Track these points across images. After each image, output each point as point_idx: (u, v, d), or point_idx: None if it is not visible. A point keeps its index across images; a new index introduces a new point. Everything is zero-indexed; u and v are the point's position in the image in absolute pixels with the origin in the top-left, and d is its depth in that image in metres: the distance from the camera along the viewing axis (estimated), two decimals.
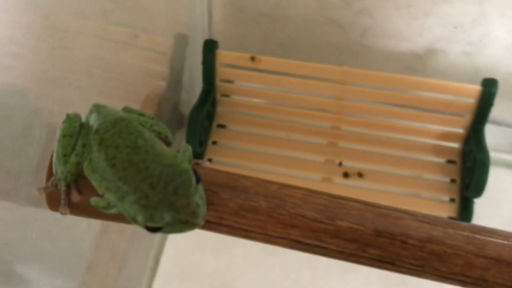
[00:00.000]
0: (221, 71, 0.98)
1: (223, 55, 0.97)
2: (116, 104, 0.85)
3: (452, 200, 0.93)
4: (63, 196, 0.36)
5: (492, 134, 0.97)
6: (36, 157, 0.39)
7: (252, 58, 0.95)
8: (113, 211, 0.35)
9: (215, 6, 1.01)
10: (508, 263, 0.36)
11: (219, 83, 1.00)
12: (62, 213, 0.37)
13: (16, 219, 0.47)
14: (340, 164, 0.98)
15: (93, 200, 0.35)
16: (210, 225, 0.38)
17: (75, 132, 0.37)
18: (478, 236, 0.37)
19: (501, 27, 0.93)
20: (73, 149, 0.37)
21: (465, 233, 0.37)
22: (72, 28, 0.77)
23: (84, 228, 0.62)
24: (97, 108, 0.38)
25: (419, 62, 1.03)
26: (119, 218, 0.37)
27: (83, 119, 0.39)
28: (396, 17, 0.96)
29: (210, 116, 1.01)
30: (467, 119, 0.93)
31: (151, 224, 0.32)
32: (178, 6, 0.97)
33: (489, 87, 0.88)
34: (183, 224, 0.32)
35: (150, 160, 0.33)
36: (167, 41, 0.97)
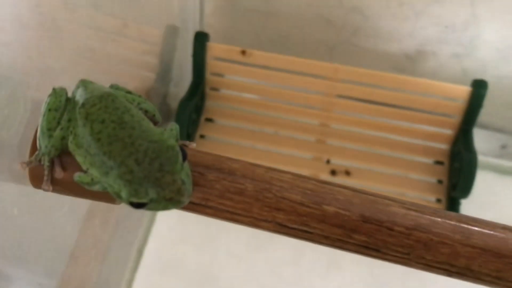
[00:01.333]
0: (211, 64, 0.98)
1: (213, 48, 0.96)
2: None
3: (438, 200, 0.93)
4: (46, 172, 0.36)
5: (480, 138, 0.97)
6: (19, 131, 0.39)
7: (243, 52, 0.95)
8: (96, 187, 0.34)
9: None
10: (494, 253, 0.36)
11: (209, 76, 0.99)
12: (44, 190, 0.36)
13: None
14: (328, 161, 0.98)
15: (77, 175, 0.34)
16: (196, 207, 0.37)
17: (61, 107, 0.36)
18: (465, 225, 0.36)
19: (492, 30, 0.93)
20: (58, 123, 0.36)
21: (452, 222, 0.36)
22: (62, 17, 0.77)
23: (66, 211, 0.61)
24: (84, 83, 0.38)
25: (409, 63, 1.03)
26: (103, 196, 0.37)
27: (70, 94, 0.38)
28: (388, 16, 0.96)
29: (199, 109, 1.01)
30: (456, 120, 0.94)
31: (135, 200, 0.31)
32: None
33: (478, 88, 0.89)
34: (168, 201, 0.31)
35: (136, 136, 0.33)
36: (157, 32, 0.97)
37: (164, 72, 1.02)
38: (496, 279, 0.36)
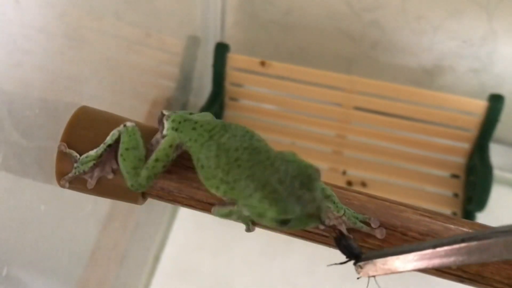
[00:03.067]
0: (231, 75, 0.99)
1: (233, 59, 0.98)
2: (125, 103, 0.86)
3: (454, 213, 0.94)
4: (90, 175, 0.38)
5: (496, 153, 0.97)
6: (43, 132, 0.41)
7: (262, 63, 0.97)
8: (234, 217, 0.36)
9: (228, 11, 1.02)
10: (506, 261, 0.36)
11: (228, 87, 1.01)
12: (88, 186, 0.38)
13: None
14: (344, 172, 0.99)
15: (215, 210, 0.37)
16: (196, 203, 0.38)
17: (138, 144, 0.37)
18: None
19: (509, 45, 0.94)
20: (140, 160, 0.37)
21: (465, 229, 0.37)
22: (86, 26, 0.79)
23: (89, 211, 0.63)
24: (177, 117, 0.38)
25: (426, 77, 1.03)
26: (126, 196, 0.38)
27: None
28: (406, 30, 0.97)
29: (218, 119, 1.02)
30: (472, 134, 0.94)
31: (284, 216, 0.32)
32: (191, 9, 0.99)
33: (495, 103, 0.89)
34: (309, 217, 0.32)
35: (274, 157, 0.34)
36: (179, 42, 0.98)
37: (185, 82, 1.04)
38: (508, 286, 0.36)
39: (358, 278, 0.34)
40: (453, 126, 0.96)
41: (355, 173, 0.99)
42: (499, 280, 0.37)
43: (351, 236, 0.36)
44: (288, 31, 1.04)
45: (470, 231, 0.37)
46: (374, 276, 0.34)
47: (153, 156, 0.37)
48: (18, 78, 0.51)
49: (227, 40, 1.03)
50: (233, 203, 0.36)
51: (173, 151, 0.37)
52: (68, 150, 0.38)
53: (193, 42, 1.01)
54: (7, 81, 0.45)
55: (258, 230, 0.38)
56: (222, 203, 0.37)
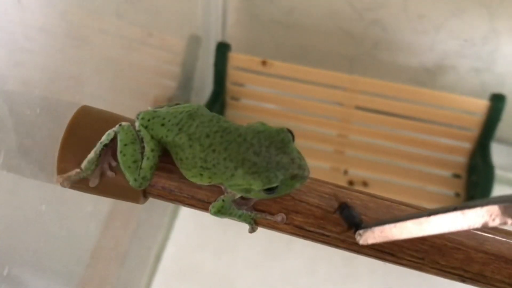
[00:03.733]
0: (232, 74, 0.99)
1: (235, 58, 0.98)
2: (126, 102, 0.86)
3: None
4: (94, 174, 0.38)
5: (497, 153, 0.97)
6: (44, 131, 0.41)
7: (263, 62, 0.96)
8: (232, 212, 0.37)
9: (230, 10, 1.02)
10: (507, 260, 0.36)
11: (229, 86, 1.01)
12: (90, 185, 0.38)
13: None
14: (346, 172, 0.99)
15: (212, 209, 0.37)
16: (197, 203, 0.38)
17: (136, 139, 0.38)
18: (479, 232, 0.37)
19: (511, 44, 0.94)
20: (139, 153, 0.37)
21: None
22: (87, 25, 0.79)
23: (90, 211, 0.63)
24: (144, 115, 0.39)
25: (428, 76, 1.03)
26: (127, 195, 0.38)
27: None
28: (408, 30, 0.97)
29: None
30: (474, 133, 0.94)
31: (268, 185, 0.33)
32: (193, 8, 0.99)
33: (496, 102, 0.89)
34: (293, 179, 0.34)
35: (244, 133, 0.35)
36: (180, 41, 0.98)
37: (186, 81, 1.04)
38: (509, 286, 0.36)
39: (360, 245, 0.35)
40: (454, 126, 0.96)
41: (356, 172, 0.99)
42: (501, 280, 0.37)
43: (353, 206, 0.37)
44: (289, 30, 1.04)
45: (471, 230, 0.37)
46: (372, 244, 0.35)
47: (147, 148, 0.38)
48: (19, 77, 0.51)
49: (228, 40, 1.03)
50: (221, 192, 0.37)
51: (157, 140, 0.38)
52: (69, 178, 0.38)
53: (195, 41, 1.01)
54: (8, 81, 0.45)
55: (259, 230, 0.38)
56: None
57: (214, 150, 0.35)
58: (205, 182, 0.36)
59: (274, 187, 0.34)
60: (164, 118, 0.38)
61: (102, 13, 0.83)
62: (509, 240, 0.37)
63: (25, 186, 0.45)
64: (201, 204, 0.38)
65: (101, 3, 0.82)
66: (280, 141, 0.34)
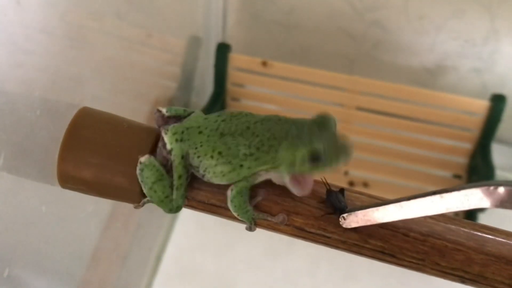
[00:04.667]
0: (233, 75, 0.99)
1: (235, 59, 0.98)
2: (127, 103, 0.86)
3: (456, 214, 0.93)
4: None
5: (498, 153, 0.97)
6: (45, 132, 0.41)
7: (264, 63, 0.97)
8: (246, 199, 0.37)
9: (230, 11, 1.02)
10: (507, 261, 0.36)
11: (229, 87, 1.01)
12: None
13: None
14: (346, 173, 0.99)
15: (235, 189, 0.36)
16: (197, 204, 0.38)
17: (162, 174, 0.37)
18: (479, 233, 0.37)
19: (511, 44, 0.93)
20: (169, 187, 0.37)
21: (467, 230, 0.37)
22: (87, 26, 0.79)
23: (91, 212, 0.63)
24: (177, 129, 0.38)
25: (428, 77, 1.03)
26: (125, 196, 0.38)
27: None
28: (408, 30, 0.97)
29: None
30: (474, 134, 0.94)
31: (313, 150, 0.33)
32: (193, 9, 0.99)
33: (497, 103, 0.89)
34: (338, 150, 0.34)
35: (284, 120, 0.36)
36: (180, 42, 0.98)
37: (186, 82, 1.04)
38: (509, 287, 0.36)
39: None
40: (455, 126, 0.96)
41: (357, 173, 0.99)
42: (501, 281, 0.36)
43: (341, 191, 0.38)
44: (290, 31, 1.04)
45: (471, 231, 0.37)
46: (356, 228, 0.35)
47: (175, 176, 0.37)
48: (20, 78, 0.51)
49: (228, 40, 1.03)
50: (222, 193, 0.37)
51: (185, 160, 0.37)
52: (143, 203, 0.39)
53: (195, 42, 1.01)
54: (8, 82, 0.45)
55: (259, 230, 0.38)
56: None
57: (257, 136, 0.36)
58: (243, 174, 0.36)
59: (319, 155, 0.34)
60: (199, 127, 0.38)
61: (102, 14, 0.82)
62: (509, 241, 0.37)
63: (25, 187, 0.45)
64: (201, 206, 0.38)
65: (102, 4, 0.81)
66: (321, 122, 0.35)
